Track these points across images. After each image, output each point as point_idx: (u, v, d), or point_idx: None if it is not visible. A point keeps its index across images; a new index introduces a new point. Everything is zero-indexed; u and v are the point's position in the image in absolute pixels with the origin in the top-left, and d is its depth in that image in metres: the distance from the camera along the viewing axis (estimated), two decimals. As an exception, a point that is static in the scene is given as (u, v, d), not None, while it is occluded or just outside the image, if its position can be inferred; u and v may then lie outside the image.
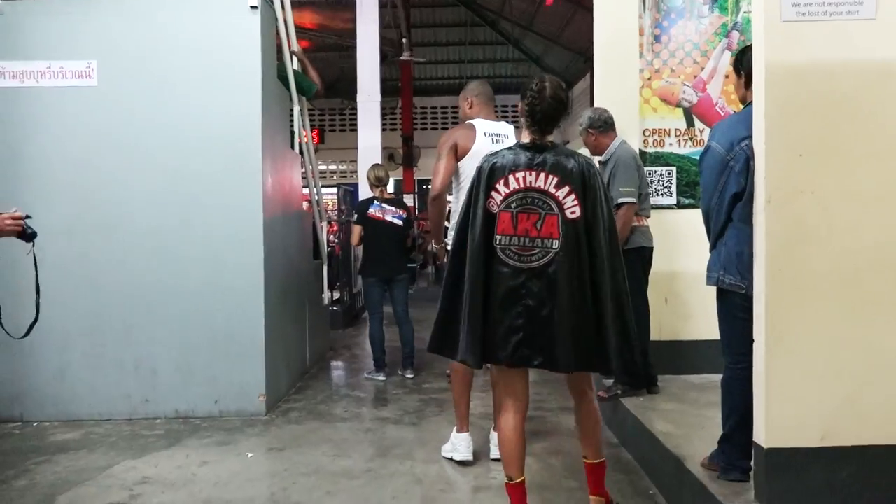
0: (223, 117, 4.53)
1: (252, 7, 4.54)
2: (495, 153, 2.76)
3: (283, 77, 5.31)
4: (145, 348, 4.49)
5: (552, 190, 2.65)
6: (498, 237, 2.66)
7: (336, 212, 9.68)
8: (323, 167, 17.62)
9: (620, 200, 3.90)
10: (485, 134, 3.69)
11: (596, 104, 4.33)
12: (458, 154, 3.67)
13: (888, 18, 2.40)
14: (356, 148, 9.90)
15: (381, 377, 5.60)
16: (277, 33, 5.20)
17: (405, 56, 14.09)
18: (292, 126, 5.61)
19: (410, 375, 5.66)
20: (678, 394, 4.13)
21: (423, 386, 5.44)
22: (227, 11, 4.55)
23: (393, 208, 5.73)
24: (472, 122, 3.75)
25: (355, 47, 9.68)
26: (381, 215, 5.66)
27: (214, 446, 3.98)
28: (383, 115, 10.89)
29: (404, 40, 14.03)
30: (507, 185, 2.67)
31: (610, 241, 2.67)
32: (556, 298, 2.60)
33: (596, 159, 4.24)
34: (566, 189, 2.64)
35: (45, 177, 4.51)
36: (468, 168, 3.59)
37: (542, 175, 2.66)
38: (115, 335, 4.50)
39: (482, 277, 2.66)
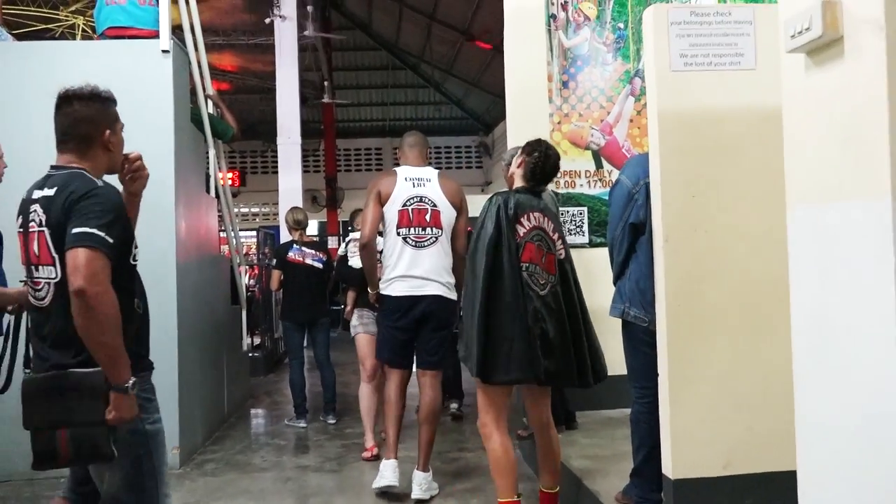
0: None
1: (164, 51, 4.49)
2: (507, 192, 3.05)
3: (197, 120, 5.25)
4: None
5: (550, 232, 3.02)
6: (525, 264, 2.91)
7: (257, 255, 9.53)
8: (245, 210, 17.36)
9: None
10: (405, 179, 3.83)
11: (509, 146, 4.45)
12: (381, 200, 3.80)
13: (767, 68, 2.58)
14: (275, 190, 9.81)
15: (303, 423, 5.49)
16: (192, 76, 5.15)
17: (327, 98, 14.14)
18: (208, 169, 5.53)
19: (332, 421, 5.57)
20: (595, 429, 4.20)
21: (346, 431, 5.36)
22: (138, 56, 4.49)
23: (313, 251, 5.69)
24: (396, 168, 3.95)
25: (276, 90, 9.67)
26: (300, 258, 5.61)
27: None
28: (306, 157, 10.87)
29: (326, 83, 14.09)
30: (529, 220, 2.97)
31: (574, 273, 3.08)
32: (561, 325, 2.91)
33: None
34: (557, 234, 3.05)
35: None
36: (390, 213, 3.77)
37: (544, 218, 3.02)
38: (15, 386, 4.26)
39: (522, 298, 2.87)
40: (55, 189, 2.02)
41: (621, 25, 4.73)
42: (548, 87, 4.65)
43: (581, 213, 4.67)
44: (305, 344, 5.81)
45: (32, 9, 11.32)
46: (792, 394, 1.69)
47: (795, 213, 1.67)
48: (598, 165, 4.72)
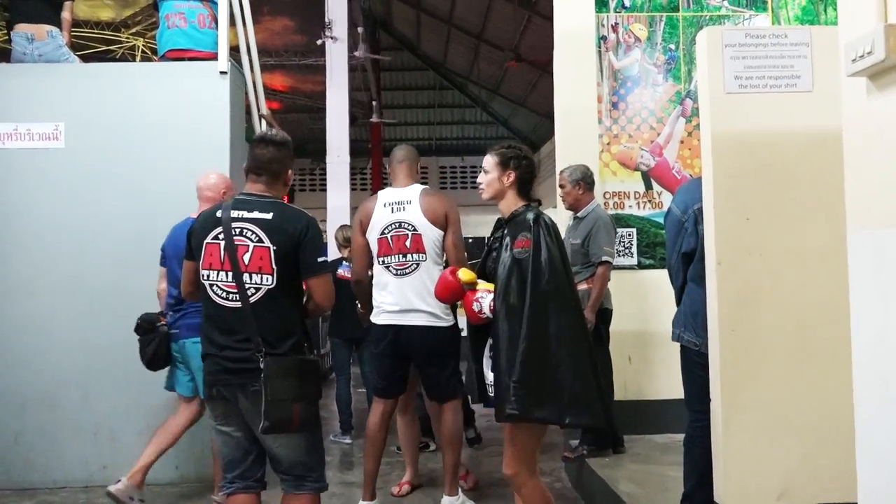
0: (191, 178, 4.55)
1: (222, 72, 4.64)
2: (530, 209, 2.66)
3: (251, 139, 5.38)
4: (105, 412, 4.39)
5: None
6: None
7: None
8: (293, 226, 17.64)
9: (604, 258, 4.00)
10: (384, 204, 3.72)
11: (558, 167, 4.45)
12: (363, 229, 3.76)
13: (824, 91, 2.55)
14: (323, 207, 9.97)
15: (348, 440, 5.52)
16: (247, 96, 5.30)
17: (375, 118, 14.34)
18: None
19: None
20: (643, 454, 4.14)
21: (390, 448, 5.36)
22: (198, 77, 4.64)
23: (360, 268, 5.75)
24: (379, 193, 3.87)
25: (325, 109, 9.85)
26: (349, 275, 5.67)
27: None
28: (353, 176, 11.03)
29: (374, 102, 14.30)
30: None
31: None
32: None
33: (557, 212, 4.37)
34: None
35: (9, 236, 4.47)
36: (371, 242, 3.73)
37: None
38: (73, 399, 4.41)
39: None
40: (272, 214, 2.55)
41: (672, 47, 4.71)
42: (597, 107, 4.65)
43: (630, 235, 4.64)
44: (351, 360, 5.86)
45: (96, 31, 11.81)
46: (852, 422, 1.65)
47: (856, 239, 1.64)
48: (648, 187, 4.68)
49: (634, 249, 4.63)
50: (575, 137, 4.62)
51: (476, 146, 19.09)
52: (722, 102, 2.57)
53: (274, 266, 2.51)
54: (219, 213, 2.59)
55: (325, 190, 10.10)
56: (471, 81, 16.59)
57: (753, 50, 2.59)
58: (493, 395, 2.59)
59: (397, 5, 14.75)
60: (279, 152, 2.66)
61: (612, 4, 4.69)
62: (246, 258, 2.51)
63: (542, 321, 2.46)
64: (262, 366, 2.44)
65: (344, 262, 5.75)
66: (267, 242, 2.51)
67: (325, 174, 10.11)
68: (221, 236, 2.54)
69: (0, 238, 4.46)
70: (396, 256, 3.64)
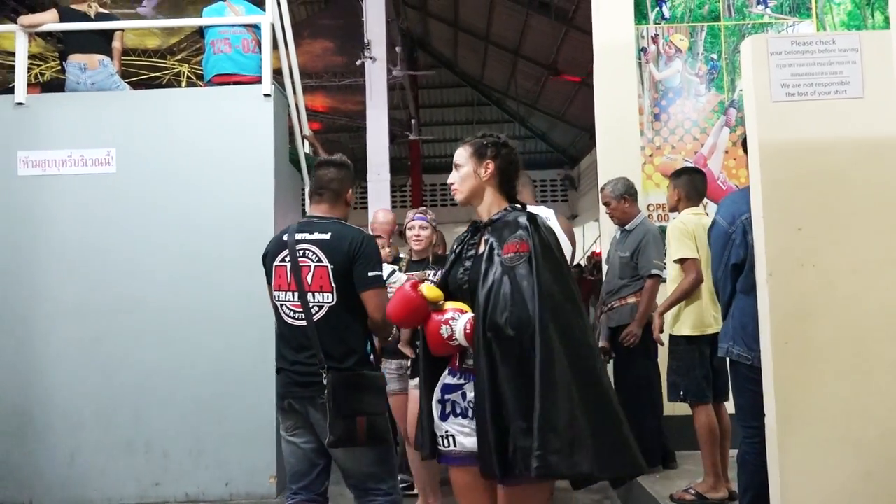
0: (236, 200, 4.65)
1: (265, 95, 4.73)
2: (526, 213, 2.28)
3: (294, 160, 5.47)
4: (156, 430, 4.47)
5: None
6: None
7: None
8: (334, 244, 17.86)
9: (653, 272, 3.95)
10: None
11: (600, 180, 4.43)
12: None
13: (876, 96, 2.49)
14: (364, 225, 10.02)
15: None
16: (290, 117, 5.39)
17: (413, 136, 14.45)
18: (304, 206, 5.74)
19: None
20: (695, 469, 4.05)
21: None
22: (242, 100, 4.74)
23: (403, 285, 5.78)
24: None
25: (365, 128, 9.95)
26: (391, 292, 5.70)
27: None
28: (393, 193, 11.09)
29: (413, 120, 14.42)
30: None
31: None
32: None
33: (598, 225, 4.33)
34: None
35: (61, 260, 4.61)
36: None
37: None
38: (125, 418, 4.50)
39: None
40: (330, 234, 2.65)
41: (714, 56, 4.66)
42: (639, 119, 4.62)
43: (675, 247, 4.57)
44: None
45: (143, 59, 12.17)
46: (918, 438, 1.59)
47: (917, 247, 1.59)
48: (693, 198, 4.62)
49: (680, 262, 4.56)
50: (617, 150, 4.59)
51: (515, 161, 19.07)
52: (769, 111, 2.53)
53: (333, 284, 2.61)
54: (285, 237, 2.73)
55: (366, 207, 10.17)
56: (508, 97, 16.62)
57: (800, 57, 2.54)
58: (451, 447, 2.17)
59: (435, 24, 14.89)
60: (339, 172, 2.79)
61: (652, 16, 4.67)
62: (309, 278, 2.63)
63: (558, 345, 2.02)
64: (325, 381, 2.53)
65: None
66: (325, 262, 2.62)
67: (365, 192, 10.21)
68: (287, 258, 2.68)
69: (55, 260, 4.60)
70: None
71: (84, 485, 4.44)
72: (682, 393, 3.59)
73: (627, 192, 4.16)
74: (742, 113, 4.51)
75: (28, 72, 4.89)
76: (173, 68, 12.61)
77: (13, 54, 5.00)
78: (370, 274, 2.63)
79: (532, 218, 2.21)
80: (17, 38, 4.84)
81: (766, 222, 2.50)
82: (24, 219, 4.63)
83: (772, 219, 2.49)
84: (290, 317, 2.67)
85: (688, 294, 3.61)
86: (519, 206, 2.31)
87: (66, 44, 4.97)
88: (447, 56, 16.29)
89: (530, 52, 13.50)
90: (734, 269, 2.74)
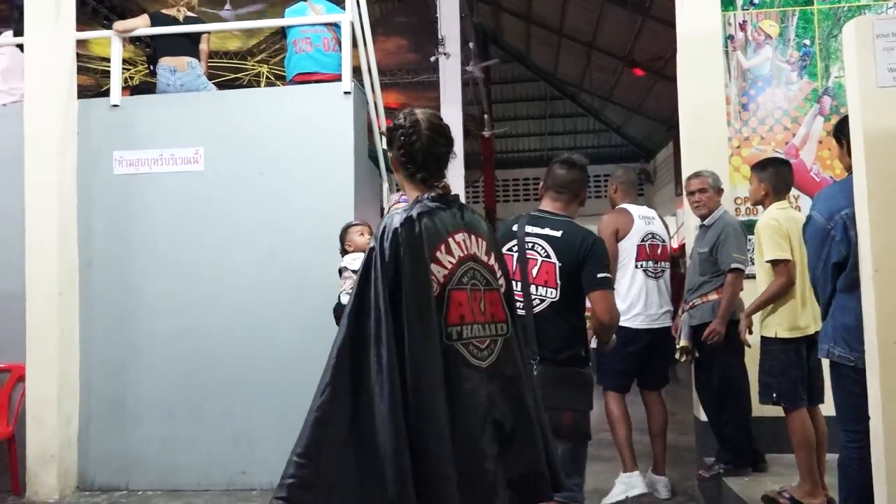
0: (318, 196, 4.74)
1: (346, 93, 4.80)
2: (410, 208, 1.92)
3: (373, 156, 5.54)
4: (244, 420, 4.61)
5: (484, 257, 2.00)
6: (455, 328, 1.86)
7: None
8: (407, 240, 18.01)
9: (734, 266, 3.82)
10: (639, 216, 4.19)
11: (684, 174, 4.30)
12: (618, 237, 4.15)
13: None
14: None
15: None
16: (368, 114, 5.45)
17: (486, 131, 14.41)
18: (382, 202, 5.81)
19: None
20: (786, 473, 3.89)
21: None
22: (323, 98, 4.82)
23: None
24: (624, 206, 4.23)
25: (439, 124, 10.00)
26: (468, 287, 5.69)
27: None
28: (465, 189, 11.10)
29: (485, 116, 14.38)
30: (450, 252, 1.90)
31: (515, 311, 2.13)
32: (522, 401, 1.96)
33: (675, 220, 4.22)
34: (493, 256, 2.05)
35: (153, 255, 4.81)
36: (626, 247, 4.12)
37: (474, 238, 1.99)
38: (214, 407, 4.66)
39: (444, 394, 1.79)
40: (561, 232, 2.71)
41: (807, 42, 4.45)
42: (726, 110, 4.46)
43: (764, 242, 4.39)
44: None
45: (224, 61, 12.57)
46: None
47: None
48: (783, 190, 4.43)
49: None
50: (702, 142, 4.44)
51: (588, 155, 18.62)
52: (874, 97, 2.39)
53: (558, 281, 2.67)
54: (514, 228, 2.80)
55: (439, 203, 10.20)
56: (582, 90, 16.36)
57: (909, 40, 2.39)
58: None
59: (507, 18, 14.80)
60: (581, 174, 2.88)
61: (740, 2, 4.50)
62: (534, 271, 2.70)
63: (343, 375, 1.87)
64: (535, 372, 2.52)
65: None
66: (554, 258, 2.69)
67: (439, 188, 10.24)
68: (515, 248, 2.74)
69: (148, 255, 4.80)
70: (650, 262, 4.12)
71: (175, 471, 4.62)
72: (774, 395, 3.44)
73: (716, 185, 4.04)
74: (837, 101, 4.31)
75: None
76: (253, 69, 12.97)
77: (105, 59, 5.23)
78: (599, 275, 2.67)
79: (408, 219, 1.85)
80: (112, 43, 5.06)
81: (871, 215, 2.37)
82: (120, 215, 4.85)
83: (877, 211, 2.36)
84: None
85: (777, 298, 3.43)
86: (434, 194, 1.95)
87: (157, 47, 5.17)
88: (520, 50, 16.16)
89: (605, 44, 13.24)
90: (834, 268, 2.60)
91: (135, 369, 4.75)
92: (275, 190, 4.76)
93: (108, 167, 4.88)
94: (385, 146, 2.25)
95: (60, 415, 4.59)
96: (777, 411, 4.11)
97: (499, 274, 2.04)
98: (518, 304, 2.48)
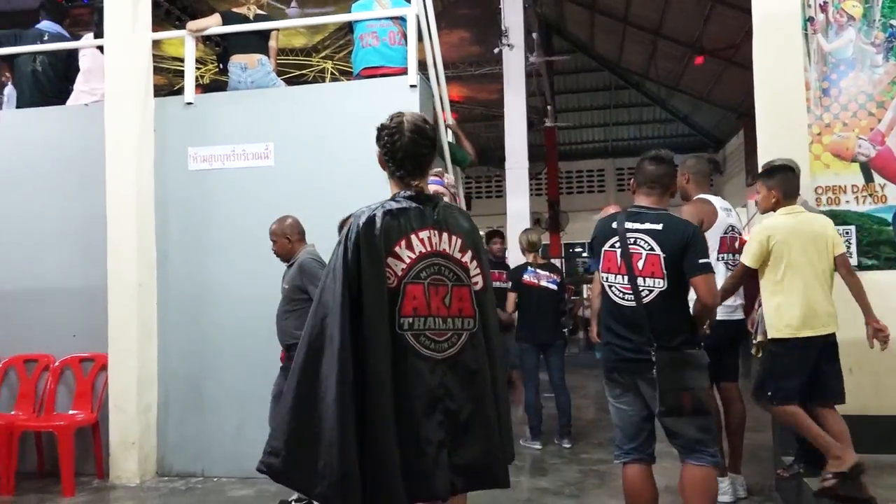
0: (384, 189, 4.74)
1: (411, 86, 4.81)
2: (379, 206, 2.12)
3: (438, 149, 5.53)
4: (313, 410, 4.68)
5: (458, 255, 2.13)
6: (407, 319, 2.02)
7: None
8: (471, 233, 18.03)
9: None
10: (721, 208, 4.07)
11: (761, 162, 4.14)
12: (702, 229, 4.06)
13: None
14: (502, 214, 10.04)
15: (538, 445, 5.50)
16: (433, 108, 5.45)
17: (549, 122, 14.27)
18: (447, 195, 5.80)
19: (568, 445, 5.51)
20: (872, 472, 3.72)
21: (581, 456, 5.28)
22: (389, 92, 4.84)
23: (547, 273, 5.71)
24: (706, 197, 4.09)
25: (501, 117, 9.94)
26: (535, 281, 5.66)
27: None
28: (528, 181, 11.02)
29: (549, 107, 14.24)
30: (410, 248, 2.06)
31: (493, 313, 2.24)
32: (478, 393, 2.09)
33: (746, 211, 4.09)
34: (470, 254, 2.15)
35: (227, 248, 4.93)
36: (709, 239, 3.98)
37: (446, 235, 2.12)
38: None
39: (390, 379, 1.98)
40: (661, 225, 2.87)
41: (893, 23, 4.23)
42: (805, 95, 4.27)
43: (847, 233, 4.20)
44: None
45: (290, 58, 12.79)
46: None
47: None
48: (868, 179, 4.22)
49: (854, 249, 4.18)
50: (780, 130, 4.27)
51: (654, 145, 18.23)
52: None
53: (664, 271, 2.84)
54: (614, 225, 2.96)
55: (501, 196, 10.21)
56: (648, 79, 16.02)
57: None
58: None
59: (570, 8, 14.59)
60: (669, 168, 3.05)
61: (821, -17, 4.30)
62: (640, 264, 2.87)
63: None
64: (653, 359, 2.76)
65: (529, 268, 5.74)
66: (658, 251, 2.85)
67: (501, 180, 10.22)
68: (617, 244, 2.92)
69: (222, 248, 4.93)
70: (730, 255, 4.04)
71: (248, 457, 4.65)
72: (769, 394, 3.42)
73: None
74: (927, 84, 4.08)
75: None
76: (318, 65, 13.17)
77: (177, 59, 5.38)
78: (700, 261, 2.83)
79: (370, 218, 2.05)
80: (186, 42, 5.20)
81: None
82: (194, 210, 5.00)
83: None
84: (619, 297, 2.91)
85: (728, 294, 3.69)
86: (409, 192, 2.13)
87: (229, 45, 5.28)
88: (583, 40, 15.92)
89: (672, 30, 12.92)
90: None
91: (209, 359, 4.89)
92: (343, 183, 4.81)
93: (183, 163, 5.03)
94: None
95: (140, 402, 4.77)
96: (858, 411, 3.96)
97: (474, 272, 2.15)
98: (627, 296, 2.86)
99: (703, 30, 11.97)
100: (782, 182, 3.52)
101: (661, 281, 2.84)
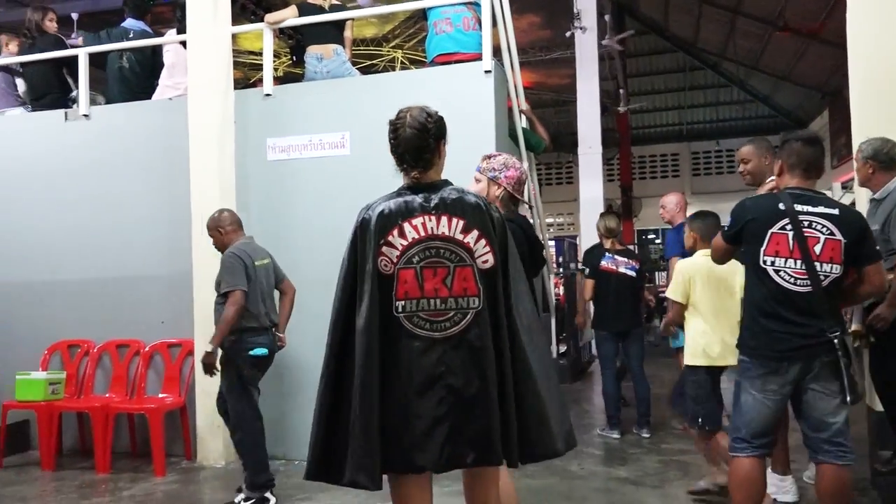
0: (460, 176, 4.72)
1: (486, 71, 4.77)
2: (381, 198, 2.30)
3: (513, 135, 5.48)
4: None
5: (459, 236, 2.19)
6: (400, 303, 2.15)
7: (557, 264, 9.70)
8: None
9: None
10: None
11: (855, 143, 3.93)
12: None
13: None
14: (573, 200, 9.92)
15: (616, 435, 5.42)
16: (507, 93, 5.40)
17: (622, 106, 13.97)
18: (521, 181, 5.74)
19: (647, 434, 5.41)
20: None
21: (662, 446, 5.17)
22: (464, 77, 4.82)
23: (625, 259, 5.60)
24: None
25: (571, 102, 9.79)
26: (613, 267, 5.55)
27: (451, 496, 4.04)
28: (602, 166, 10.83)
29: (621, 91, 13.93)
30: (402, 235, 2.17)
31: (525, 297, 2.27)
32: (483, 370, 2.13)
33: (859, 193, 3.90)
34: (475, 234, 2.19)
35: (305, 236, 5.02)
36: None
37: (445, 219, 2.19)
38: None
39: (377, 359, 2.12)
40: (838, 210, 2.85)
41: None
42: (907, 69, 4.02)
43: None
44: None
45: (361, 48, 12.91)
46: None
47: None
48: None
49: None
50: (878, 107, 4.03)
51: (732, 128, 17.77)
52: None
53: (843, 257, 2.82)
54: (781, 206, 2.88)
55: (571, 182, 10.06)
56: (725, 59, 15.43)
57: None
58: None
59: (643, -13, 14.22)
60: (822, 151, 3.02)
61: (923, -52, 4.03)
62: (817, 249, 2.83)
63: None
64: (836, 343, 2.77)
65: (607, 254, 5.63)
66: (839, 235, 2.82)
67: (571, 166, 10.07)
68: (789, 227, 2.85)
69: (300, 237, 5.03)
70: None
71: (302, 444, 4.81)
72: (700, 420, 3.70)
73: (874, 157, 3.67)
74: None
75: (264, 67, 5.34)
76: (388, 55, 13.25)
77: (252, 53, 5.48)
78: (876, 248, 2.94)
79: (368, 210, 2.28)
80: (264, 34, 5.31)
81: None
82: (273, 199, 5.11)
83: None
84: (789, 282, 2.84)
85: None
86: (408, 183, 2.33)
87: (305, 36, 5.36)
88: (657, 21, 15.47)
89: (751, 7, 12.39)
90: None
91: (292, 344, 4.99)
92: (418, 171, 4.81)
93: (262, 154, 5.14)
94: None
95: (224, 387, 4.91)
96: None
97: (481, 252, 2.18)
98: (800, 281, 2.81)
99: (785, 5, 11.45)
100: (700, 227, 3.87)
101: (839, 267, 2.82)
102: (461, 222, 2.19)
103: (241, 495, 4.05)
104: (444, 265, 2.17)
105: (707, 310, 3.75)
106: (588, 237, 8.26)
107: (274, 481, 4.13)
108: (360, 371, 2.11)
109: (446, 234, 2.19)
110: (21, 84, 6.23)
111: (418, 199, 2.23)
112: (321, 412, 2.22)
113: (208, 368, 4.01)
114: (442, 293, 2.15)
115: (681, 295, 3.84)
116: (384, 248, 2.17)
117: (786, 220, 2.85)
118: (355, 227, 2.26)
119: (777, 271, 2.85)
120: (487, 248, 2.19)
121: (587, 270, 5.69)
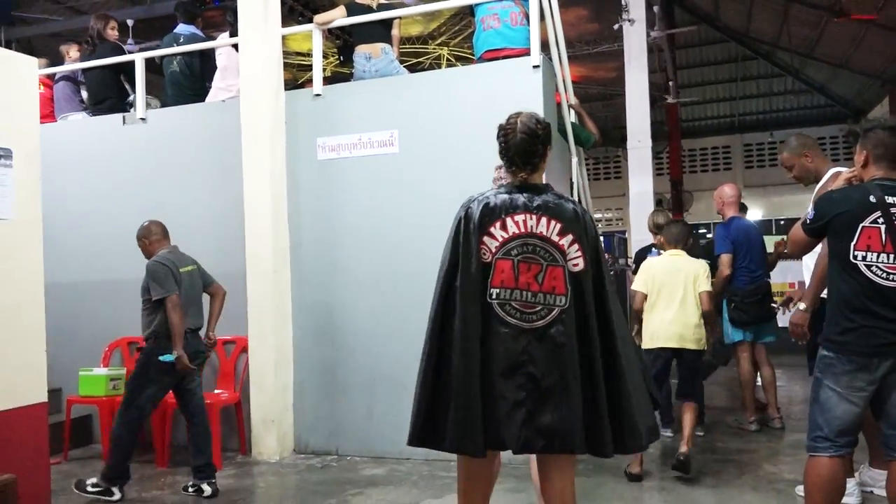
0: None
1: (534, 66, 4.74)
2: (482, 193, 2.50)
3: (561, 130, 5.44)
4: (441, 393, 4.75)
5: (555, 238, 2.38)
6: (495, 290, 2.36)
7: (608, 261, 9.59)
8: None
9: None
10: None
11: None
12: None
13: None
14: (621, 195, 9.76)
15: (668, 433, 5.32)
16: (556, 88, 5.35)
17: (671, 99, 13.70)
18: (571, 177, 5.70)
19: (700, 433, 5.29)
20: None
21: (717, 445, 5.07)
22: (512, 73, 4.80)
23: (676, 255, 5.49)
24: (837, 170, 3.78)
25: (618, 95, 9.63)
26: (659, 263, 5.45)
27: (505, 493, 4.05)
28: (652, 160, 10.64)
29: (671, 83, 13.67)
30: (504, 228, 2.38)
31: (614, 300, 2.43)
32: (563, 365, 2.32)
33: None
34: (569, 237, 2.38)
35: (355, 235, 5.08)
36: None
37: (545, 220, 2.38)
38: (413, 379, 4.83)
39: (477, 340, 2.33)
40: None
41: None
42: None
43: None
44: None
45: (406, 46, 12.96)
46: None
47: None
48: None
49: None
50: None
51: (786, 118, 17.29)
52: None
53: None
54: (871, 198, 2.79)
55: (619, 177, 9.89)
56: (779, 48, 15.00)
57: None
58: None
59: (693, -23, 13.92)
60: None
61: None
62: None
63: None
64: None
65: (654, 250, 5.54)
66: None
67: (619, 160, 9.91)
68: (881, 220, 2.77)
69: (350, 235, 5.08)
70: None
71: (380, 438, 4.88)
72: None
73: None
74: None
75: (312, 67, 5.40)
76: (433, 52, 13.26)
77: (300, 54, 5.54)
78: None
79: (472, 202, 2.48)
80: (314, 34, 5.37)
81: None
82: (324, 198, 5.17)
83: None
84: (881, 278, 2.76)
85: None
86: (516, 182, 2.48)
87: (354, 36, 5.41)
88: (707, 11, 15.11)
89: (806, -7, 12.05)
90: None
91: (341, 342, 5.06)
92: (468, 167, 4.80)
93: (312, 153, 5.20)
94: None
95: (277, 382, 5.01)
96: None
97: (573, 255, 2.36)
98: (893, 276, 2.73)
99: (844, -10, 11.07)
100: (667, 232, 4.57)
101: None
102: (559, 225, 2.37)
103: (93, 479, 4.20)
104: (537, 262, 2.35)
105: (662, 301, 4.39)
106: (637, 232, 8.14)
107: (129, 480, 4.27)
108: (463, 349, 2.30)
109: (544, 233, 2.37)
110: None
111: (522, 197, 2.41)
112: (425, 384, 2.42)
113: (185, 368, 4.21)
114: (533, 287, 2.33)
115: (641, 285, 4.50)
116: (485, 238, 2.37)
117: (878, 214, 2.77)
118: (459, 216, 2.45)
119: (868, 266, 2.77)
120: (579, 253, 2.36)
121: (634, 266, 5.60)
